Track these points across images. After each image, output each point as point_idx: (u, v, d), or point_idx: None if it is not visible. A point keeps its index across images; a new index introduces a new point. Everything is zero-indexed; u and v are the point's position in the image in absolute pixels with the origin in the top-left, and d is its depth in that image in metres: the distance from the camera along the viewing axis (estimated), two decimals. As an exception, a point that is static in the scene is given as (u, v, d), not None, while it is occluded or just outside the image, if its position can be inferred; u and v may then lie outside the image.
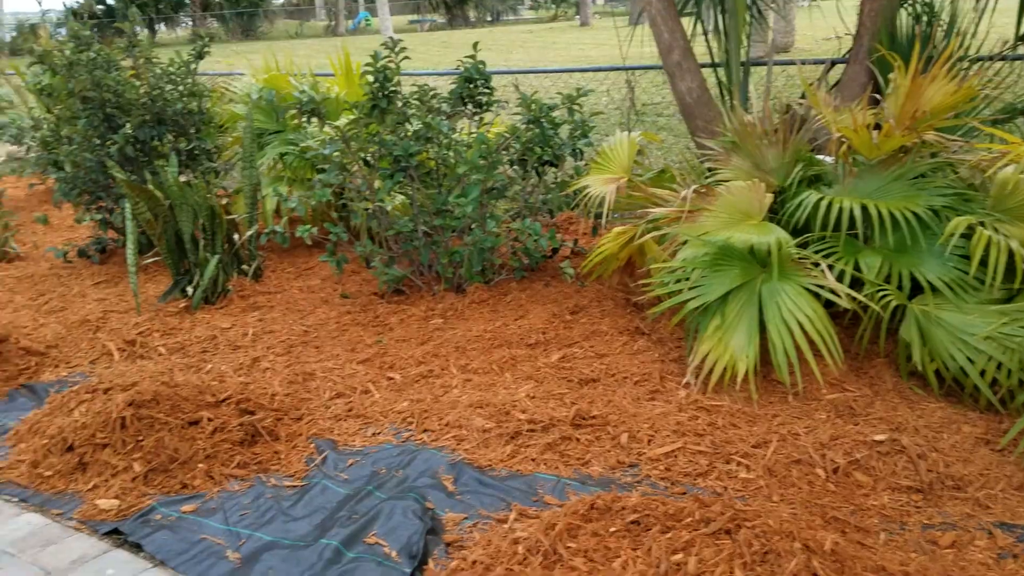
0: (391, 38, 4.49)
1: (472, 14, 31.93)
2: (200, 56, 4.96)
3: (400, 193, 4.84)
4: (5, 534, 2.56)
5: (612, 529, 1.94)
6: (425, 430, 3.14)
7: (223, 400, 3.18)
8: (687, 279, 3.25)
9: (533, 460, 2.81)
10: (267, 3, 27.69)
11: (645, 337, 3.72)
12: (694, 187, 3.36)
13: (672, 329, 3.62)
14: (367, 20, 31.01)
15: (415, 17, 31.42)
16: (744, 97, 4.67)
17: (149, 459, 2.86)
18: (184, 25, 26.34)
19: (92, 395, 3.18)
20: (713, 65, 4.90)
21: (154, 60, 4.90)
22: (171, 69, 4.87)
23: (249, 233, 4.81)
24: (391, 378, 3.62)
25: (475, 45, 4.46)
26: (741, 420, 2.93)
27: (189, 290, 4.52)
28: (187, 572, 2.35)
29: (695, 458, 2.68)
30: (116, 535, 2.56)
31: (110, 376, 3.39)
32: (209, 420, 3.04)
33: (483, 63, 4.41)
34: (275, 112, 5.26)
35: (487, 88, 4.44)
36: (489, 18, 32.50)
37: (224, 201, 4.82)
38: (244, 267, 4.84)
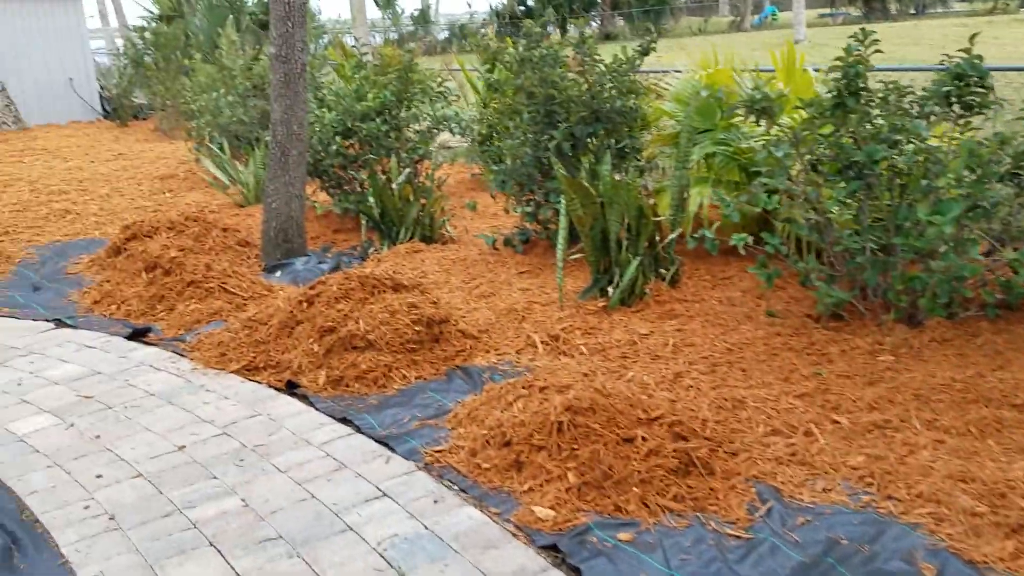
0: (862, 29, 3.92)
1: (893, 6, 28.99)
2: (645, 53, 4.84)
3: (840, 202, 4.27)
4: (449, 526, 2.58)
5: None
6: (889, 497, 2.62)
7: (655, 419, 2.96)
8: None
9: (1057, 571, 2.16)
10: (672, 0, 27.88)
11: None
12: None
13: None
14: (773, 15, 29.79)
15: (826, 11, 29.40)
16: None
17: (583, 471, 2.73)
18: (592, 25, 27.63)
19: (528, 391, 3.16)
20: None
21: (596, 57, 4.90)
22: (615, 66, 4.82)
23: (672, 236, 4.59)
24: (837, 422, 3.13)
25: (972, 38, 3.73)
26: None
27: (609, 290, 4.44)
28: (629, 617, 2.14)
29: None
30: (553, 551, 2.45)
31: (544, 374, 3.37)
32: (643, 440, 2.83)
33: (980, 57, 3.65)
34: (717, 110, 4.97)
35: (981, 87, 3.68)
36: (912, 11, 29.23)
37: (651, 201, 4.66)
38: (662, 271, 4.65)
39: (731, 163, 5.13)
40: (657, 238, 4.62)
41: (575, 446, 2.80)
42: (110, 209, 7.61)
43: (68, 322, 4.65)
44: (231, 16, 11.80)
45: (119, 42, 18.29)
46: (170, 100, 11.99)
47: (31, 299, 5.10)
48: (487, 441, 2.98)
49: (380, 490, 2.80)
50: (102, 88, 14.80)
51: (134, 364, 4.03)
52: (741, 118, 4.87)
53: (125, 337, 4.38)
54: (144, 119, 13.94)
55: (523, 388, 3.19)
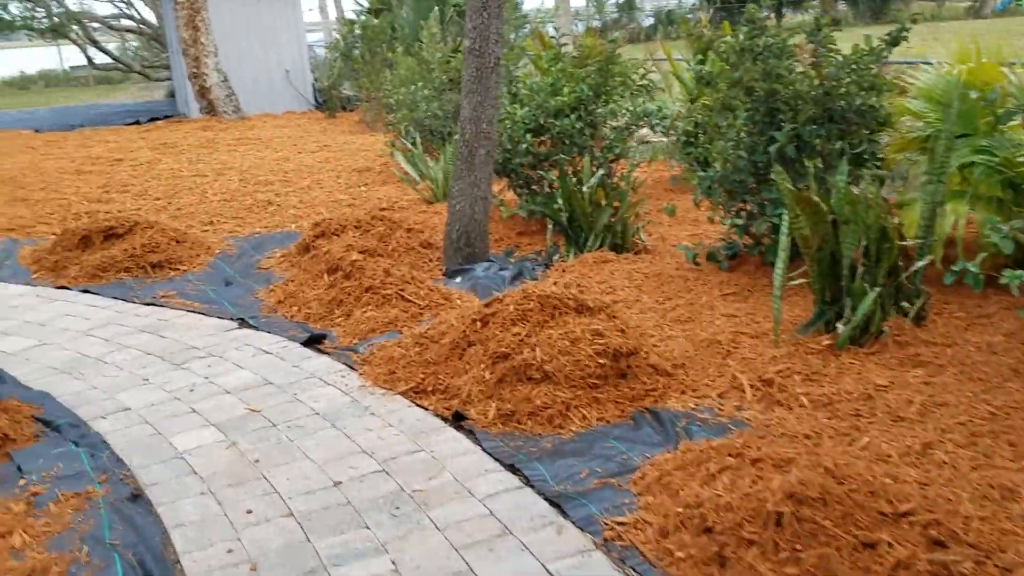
0: None
1: None
2: (895, 43, 4.04)
3: None
4: (631, 635, 2.08)
5: None
6: None
7: (903, 514, 2.29)
8: None
9: None
10: (904, -17, 25.25)
11: None
12: None
13: None
14: (1018, 0, 26.33)
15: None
16: None
17: (806, 583, 2.13)
18: (811, 10, 25.57)
19: (737, 461, 2.58)
20: None
21: (833, 47, 4.15)
22: (855, 58, 4.06)
23: (920, 264, 3.78)
24: None
25: None
26: None
27: (838, 325, 3.72)
28: None
29: None
30: None
31: (755, 438, 2.77)
32: (889, 546, 2.18)
33: None
34: (979, 113, 4.09)
35: None
36: None
37: (896, 220, 3.87)
38: (904, 304, 3.85)
39: (994, 176, 4.22)
40: (900, 264, 3.83)
41: (798, 546, 2.20)
42: (309, 201, 7.70)
43: (251, 322, 4.57)
44: (436, 8, 11.80)
45: (336, 35, 19.10)
46: (374, 92, 12.21)
47: (222, 295, 5.11)
48: (682, 521, 2.43)
49: (549, 573, 2.34)
50: (316, 80, 15.45)
51: (305, 375, 3.83)
52: (1017, 123, 3.96)
53: (301, 343, 4.22)
54: (351, 111, 14.38)
55: (730, 456, 2.61)
